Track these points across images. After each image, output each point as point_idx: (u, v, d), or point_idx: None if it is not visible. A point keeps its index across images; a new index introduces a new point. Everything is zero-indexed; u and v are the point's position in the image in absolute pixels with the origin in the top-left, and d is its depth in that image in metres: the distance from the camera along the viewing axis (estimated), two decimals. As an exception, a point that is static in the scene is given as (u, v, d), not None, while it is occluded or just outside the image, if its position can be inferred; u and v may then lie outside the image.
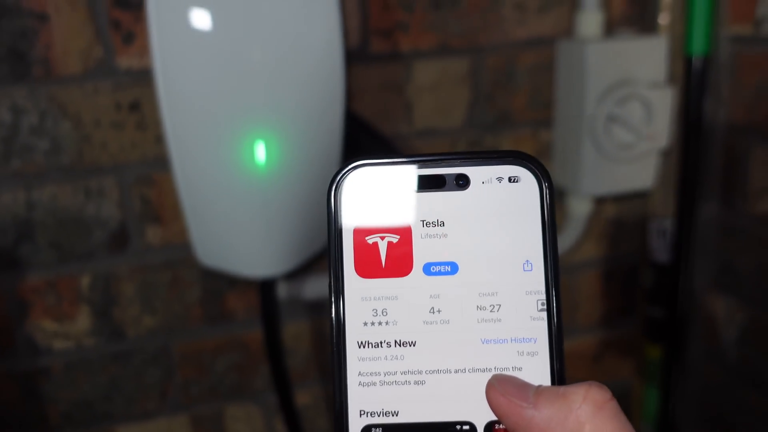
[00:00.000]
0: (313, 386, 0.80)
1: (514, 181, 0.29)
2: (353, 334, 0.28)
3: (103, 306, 0.72)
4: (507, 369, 0.28)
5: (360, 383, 0.28)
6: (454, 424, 0.28)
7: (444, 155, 0.29)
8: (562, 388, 0.25)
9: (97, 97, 0.66)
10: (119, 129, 0.68)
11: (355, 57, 0.71)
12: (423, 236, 0.29)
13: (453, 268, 0.28)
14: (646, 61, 0.74)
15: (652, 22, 0.77)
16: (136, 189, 0.70)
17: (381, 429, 0.28)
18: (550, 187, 0.29)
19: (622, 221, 0.85)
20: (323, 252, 0.71)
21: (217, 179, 0.63)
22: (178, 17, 0.59)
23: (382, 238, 0.29)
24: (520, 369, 0.28)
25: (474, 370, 0.28)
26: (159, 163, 0.69)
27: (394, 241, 0.29)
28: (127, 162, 0.69)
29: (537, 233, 0.28)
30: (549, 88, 0.78)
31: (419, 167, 0.29)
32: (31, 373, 0.72)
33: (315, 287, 0.75)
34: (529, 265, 0.28)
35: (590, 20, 0.74)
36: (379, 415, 0.28)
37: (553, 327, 0.28)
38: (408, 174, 0.29)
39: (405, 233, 0.29)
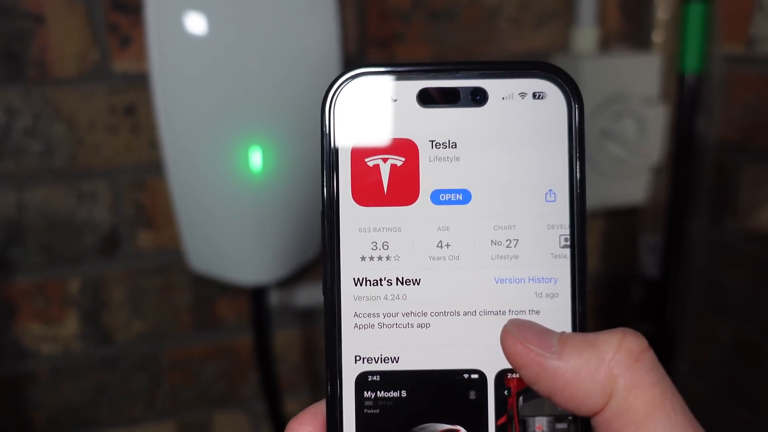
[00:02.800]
0: (302, 395, 0.80)
1: (539, 98, 0.25)
2: (349, 269, 0.25)
3: (92, 310, 0.71)
4: (523, 312, 0.25)
5: (356, 325, 0.25)
6: (461, 372, 0.25)
7: (459, 64, 0.25)
8: (591, 335, 0.22)
9: (92, 100, 0.66)
10: (113, 133, 0.67)
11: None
12: (432, 159, 0.25)
13: (465, 196, 0.25)
14: (639, 77, 0.75)
15: (646, 39, 0.78)
16: (128, 193, 0.69)
17: (379, 376, 0.25)
18: (581, 107, 0.25)
19: (612, 236, 0.86)
20: (316, 260, 0.71)
21: (211, 185, 0.63)
22: (177, 23, 0.59)
23: (385, 160, 0.25)
24: (537, 312, 0.25)
25: (485, 313, 0.25)
26: (152, 167, 0.69)
27: (398, 163, 0.25)
28: (121, 166, 0.68)
29: (563, 159, 0.25)
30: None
31: (430, 79, 0.25)
32: (18, 377, 0.71)
33: (307, 295, 0.75)
34: (553, 195, 0.25)
35: (585, 36, 0.75)
36: (377, 361, 0.25)
37: (576, 267, 0.25)
38: (416, 86, 0.25)
39: (411, 155, 0.25)
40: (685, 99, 0.76)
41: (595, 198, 0.78)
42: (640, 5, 0.78)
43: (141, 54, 0.66)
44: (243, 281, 0.66)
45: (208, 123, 0.61)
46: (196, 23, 0.59)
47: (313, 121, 0.65)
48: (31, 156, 0.66)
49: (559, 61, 0.76)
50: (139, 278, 0.72)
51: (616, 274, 0.87)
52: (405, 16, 0.72)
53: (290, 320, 0.78)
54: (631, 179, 0.78)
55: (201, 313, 0.75)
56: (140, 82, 0.66)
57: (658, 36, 0.78)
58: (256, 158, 0.61)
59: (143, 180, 0.69)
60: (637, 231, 0.86)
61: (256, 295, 0.68)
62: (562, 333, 0.22)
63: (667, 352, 0.83)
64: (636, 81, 0.75)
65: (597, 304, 0.88)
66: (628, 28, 0.78)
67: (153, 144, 0.68)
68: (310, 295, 0.75)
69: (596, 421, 0.22)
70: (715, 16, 0.75)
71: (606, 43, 0.78)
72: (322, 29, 0.61)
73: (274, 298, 0.73)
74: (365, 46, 0.72)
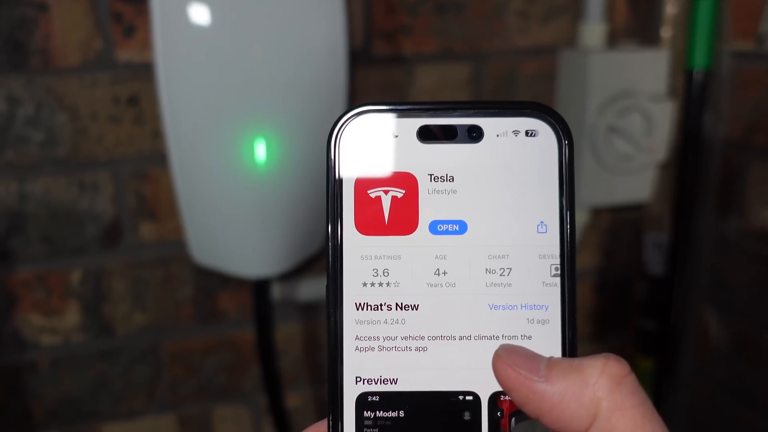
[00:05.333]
0: (303, 389, 0.80)
1: (531, 135, 0.26)
2: (351, 294, 0.26)
3: (93, 302, 0.71)
4: (515, 337, 0.26)
5: (357, 348, 0.26)
6: (456, 393, 0.26)
7: (456, 104, 0.27)
8: (576, 361, 0.23)
9: (95, 90, 0.65)
10: (116, 123, 0.67)
11: (357, 58, 0.70)
12: (430, 191, 0.26)
13: (461, 227, 0.26)
14: (647, 73, 0.75)
15: (654, 35, 0.78)
16: (131, 184, 0.69)
17: (378, 397, 0.26)
18: (570, 144, 0.26)
19: (617, 233, 0.85)
20: (319, 254, 0.70)
21: (215, 177, 0.62)
22: (182, 13, 0.58)
23: (386, 192, 0.26)
24: (529, 338, 0.26)
25: (480, 338, 0.26)
26: (155, 158, 0.68)
27: (399, 195, 0.26)
28: (123, 156, 0.68)
29: (554, 193, 0.26)
30: (550, 98, 0.78)
31: (429, 116, 0.26)
32: (17, 367, 0.71)
33: (309, 289, 0.74)
34: (544, 227, 0.26)
35: (593, 31, 0.74)
36: (376, 383, 0.26)
37: (566, 294, 0.26)
38: (416, 123, 0.26)
39: (411, 187, 0.26)
40: (693, 95, 0.75)
41: (600, 194, 0.77)
42: (648, 1, 0.78)
43: (145, 43, 0.65)
44: (245, 274, 0.66)
45: (212, 114, 0.61)
46: (200, 13, 0.58)
47: (318, 114, 0.64)
48: (33, 145, 0.65)
49: (567, 56, 0.75)
50: (140, 270, 0.71)
51: (621, 271, 0.87)
52: (412, 8, 0.71)
53: (292, 314, 0.77)
54: (637, 175, 0.77)
55: (202, 305, 0.74)
56: (144, 71, 0.66)
57: (666, 32, 0.77)
58: (260, 150, 0.61)
59: (146, 171, 0.69)
60: (643, 228, 0.85)
61: (259, 288, 0.67)
62: (550, 358, 0.24)
63: (671, 350, 0.83)
64: (643, 77, 0.74)
65: (601, 302, 0.88)
66: (636, 24, 0.78)
67: (156, 134, 0.68)
68: (312, 288, 0.74)
69: None
70: (723, 12, 0.74)
71: (614, 39, 0.77)
72: (328, 20, 0.61)
73: (276, 292, 0.73)
74: (371, 39, 0.71)
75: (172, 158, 0.62)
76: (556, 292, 0.26)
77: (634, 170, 0.77)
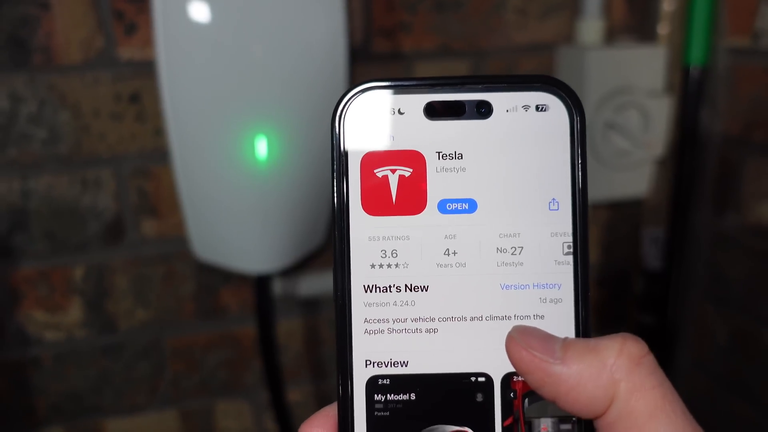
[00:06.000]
0: (304, 384, 0.80)
1: (541, 110, 0.25)
2: (359, 277, 0.26)
3: (95, 298, 0.72)
4: (528, 317, 0.25)
5: (366, 331, 0.25)
6: (468, 375, 0.25)
7: (464, 79, 0.26)
8: (592, 341, 0.23)
9: (97, 88, 0.66)
10: (118, 120, 0.67)
11: (357, 55, 0.71)
12: (438, 170, 0.26)
13: (471, 205, 0.26)
14: (644, 69, 0.75)
15: (651, 31, 0.78)
16: (133, 181, 0.69)
17: (389, 380, 0.25)
18: (582, 118, 0.26)
19: (615, 228, 0.86)
20: (320, 249, 0.71)
21: (216, 173, 0.63)
22: (183, 10, 0.58)
23: (393, 171, 0.26)
24: (542, 317, 0.25)
25: (491, 318, 0.25)
26: (157, 155, 0.69)
27: (407, 174, 0.26)
28: (125, 153, 0.68)
29: (565, 169, 0.26)
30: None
31: (436, 92, 0.26)
32: (21, 363, 0.71)
33: (310, 285, 0.75)
34: (556, 204, 0.26)
35: (591, 27, 0.75)
36: (386, 365, 0.25)
37: (579, 273, 0.25)
38: (423, 99, 0.26)
39: (418, 166, 0.26)
40: (690, 91, 0.76)
41: (598, 190, 0.78)
42: (645, -3, 0.78)
43: (146, 41, 0.66)
44: (247, 270, 0.67)
45: (213, 111, 0.61)
46: (201, 11, 0.59)
47: (319, 110, 0.65)
48: (35, 143, 0.66)
49: (565, 53, 0.76)
50: (143, 266, 0.72)
51: (619, 266, 0.88)
52: (411, 5, 0.71)
53: (294, 309, 0.78)
54: (634, 171, 0.78)
55: (204, 301, 0.75)
56: (145, 69, 0.66)
57: (663, 28, 0.78)
58: (261, 147, 0.61)
59: (148, 168, 0.69)
60: (640, 223, 0.86)
61: (260, 283, 0.68)
62: (565, 339, 0.23)
63: (668, 345, 0.84)
64: (641, 73, 0.75)
65: (599, 297, 0.88)
66: (634, 20, 0.78)
67: (158, 132, 0.68)
68: (314, 284, 0.75)
69: (599, 424, 0.22)
70: (720, 8, 0.75)
71: (611, 35, 0.78)
72: (328, 18, 0.61)
73: (278, 287, 0.73)
74: (371, 36, 0.71)
75: (174, 155, 0.63)
76: (569, 270, 0.26)
77: (631, 166, 0.77)
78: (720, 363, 0.82)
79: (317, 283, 0.75)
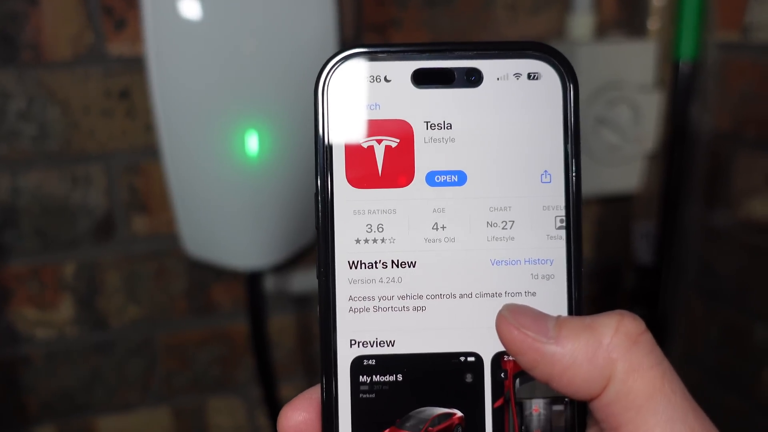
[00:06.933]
0: (296, 380, 0.80)
1: (534, 79, 0.25)
2: (343, 252, 0.24)
3: (86, 295, 0.71)
4: (519, 294, 0.24)
5: (351, 309, 0.24)
6: (457, 355, 0.24)
7: (454, 45, 0.25)
8: (588, 319, 0.21)
9: (86, 84, 0.66)
10: (108, 116, 0.67)
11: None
12: (426, 140, 0.25)
13: (460, 178, 0.25)
14: (635, 64, 0.75)
15: (641, 26, 0.78)
16: (123, 178, 0.69)
17: (374, 360, 0.24)
18: (576, 87, 0.25)
19: (605, 223, 0.86)
20: (312, 245, 0.71)
21: (207, 169, 0.63)
22: (173, 6, 0.58)
23: (379, 142, 0.25)
24: (534, 294, 0.25)
25: (482, 295, 0.24)
26: (148, 152, 0.68)
27: (393, 145, 0.25)
28: (116, 150, 0.68)
29: (558, 140, 0.25)
30: (539, 89, 0.78)
31: (424, 59, 0.24)
32: (12, 361, 0.71)
33: (302, 281, 0.75)
34: (548, 176, 0.25)
35: (581, 23, 0.75)
36: (372, 345, 0.24)
37: (572, 247, 0.25)
38: (410, 66, 0.24)
39: (406, 136, 0.25)
40: (680, 86, 0.76)
41: (588, 185, 0.78)
42: (635, -8, 0.78)
43: (136, 37, 0.65)
44: (238, 266, 0.66)
45: (204, 107, 0.61)
46: (191, 6, 0.58)
47: (310, 106, 0.65)
48: (25, 139, 0.65)
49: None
50: (133, 263, 0.72)
51: (610, 261, 0.88)
52: (401, 1, 0.71)
53: (285, 306, 0.78)
54: (625, 166, 0.78)
55: (196, 298, 0.75)
56: (135, 65, 0.66)
57: (653, 23, 0.78)
58: (252, 143, 0.61)
59: (138, 164, 0.69)
60: (631, 218, 0.86)
61: (252, 280, 0.68)
62: (558, 317, 0.22)
63: (659, 339, 0.84)
64: (631, 68, 0.75)
65: (590, 291, 0.88)
66: (624, 15, 0.79)
67: (148, 128, 0.68)
68: (306, 280, 0.75)
69: (594, 406, 0.21)
70: (710, 3, 0.75)
71: (602, 30, 0.78)
72: (319, 13, 0.61)
73: (270, 284, 0.73)
74: (362, 31, 0.71)
75: (165, 151, 0.63)
76: (562, 245, 0.25)
77: (622, 161, 0.77)
78: (710, 357, 0.82)
79: (309, 280, 0.75)
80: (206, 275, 0.74)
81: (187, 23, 0.59)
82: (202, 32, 0.59)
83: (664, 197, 0.79)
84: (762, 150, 0.72)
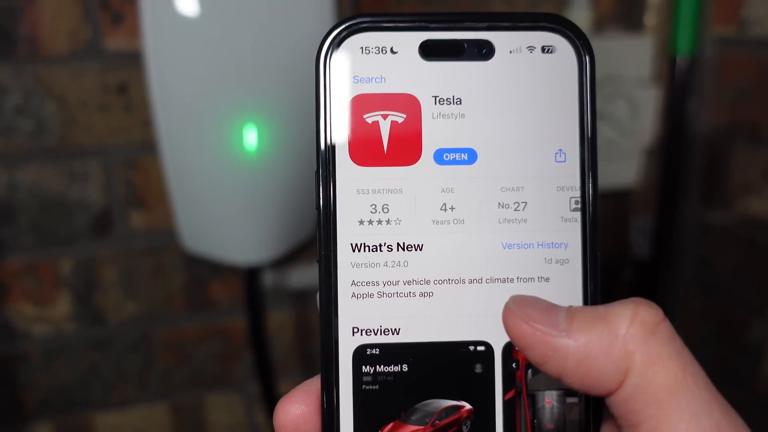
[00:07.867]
0: (295, 376, 0.80)
1: (548, 52, 0.23)
2: (346, 234, 0.23)
3: (84, 291, 0.71)
4: (532, 279, 0.23)
5: (354, 294, 0.23)
6: (466, 344, 0.23)
7: (464, 15, 0.23)
8: (601, 308, 0.20)
9: (84, 79, 0.65)
10: (106, 111, 0.67)
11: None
12: (435, 116, 0.23)
13: (470, 156, 0.23)
14: (632, 59, 0.75)
15: (638, 21, 0.79)
16: (121, 173, 0.69)
17: (378, 350, 0.23)
18: (592, 61, 0.23)
19: (603, 218, 0.86)
20: (311, 240, 0.71)
21: (205, 164, 0.62)
22: (170, 0, 0.58)
23: (385, 117, 0.23)
24: (547, 279, 0.23)
25: (492, 280, 0.23)
26: (145, 147, 0.68)
27: (399, 120, 0.23)
28: (113, 145, 0.68)
29: (573, 117, 0.23)
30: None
31: (433, 30, 0.23)
32: (9, 357, 0.71)
33: (301, 276, 0.75)
34: (563, 155, 0.23)
35: (578, 18, 0.75)
36: (376, 333, 0.23)
37: (587, 231, 0.23)
38: (418, 38, 0.23)
39: (413, 111, 0.23)
40: (677, 81, 0.76)
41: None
42: (632, -13, 0.79)
43: (133, 31, 0.65)
44: (237, 261, 0.66)
45: (202, 101, 0.61)
46: (189, 0, 0.58)
47: (308, 101, 0.64)
48: (22, 135, 0.65)
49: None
50: (131, 259, 0.72)
51: (607, 255, 0.88)
52: (399, -4, 0.71)
53: (284, 301, 0.78)
54: (622, 161, 0.78)
55: (194, 294, 0.75)
56: (133, 60, 0.66)
57: (650, 18, 0.78)
58: (249, 138, 0.61)
59: (136, 159, 0.69)
60: (628, 213, 0.86)
61: (250, 275, 0.68)
62: (569, 308, 0.20)
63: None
64: (628, 63, 0.75)
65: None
66: (621, 10, 0.79)
67: (146, 123, 0.68)
68: (304, 275, 0.75)
69: (612, 401, 0.20)
70: (707, -2, 0.75)
71: (599, 25, 0.78)
72: (316, 7, 0.61)
73: (268, 279, 0.73)
74: (359, 26, 0.71)
75: (162, 147, 0.63)
76: (577, 228, 0.23)
77: (619, 156, 0.78)
78: (709, 351, 0.82)
79: (308, 275, 0.75)
80: (204, 271, 0.74)
81: (185, 18, 0.58)
82: (199, 27, 0.59)
83: (662, 192, 0.79)
84: (759, 145, 0.72)
